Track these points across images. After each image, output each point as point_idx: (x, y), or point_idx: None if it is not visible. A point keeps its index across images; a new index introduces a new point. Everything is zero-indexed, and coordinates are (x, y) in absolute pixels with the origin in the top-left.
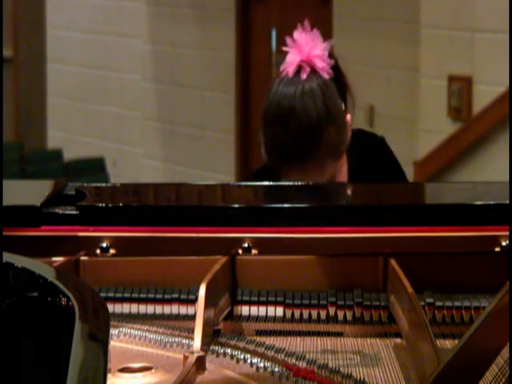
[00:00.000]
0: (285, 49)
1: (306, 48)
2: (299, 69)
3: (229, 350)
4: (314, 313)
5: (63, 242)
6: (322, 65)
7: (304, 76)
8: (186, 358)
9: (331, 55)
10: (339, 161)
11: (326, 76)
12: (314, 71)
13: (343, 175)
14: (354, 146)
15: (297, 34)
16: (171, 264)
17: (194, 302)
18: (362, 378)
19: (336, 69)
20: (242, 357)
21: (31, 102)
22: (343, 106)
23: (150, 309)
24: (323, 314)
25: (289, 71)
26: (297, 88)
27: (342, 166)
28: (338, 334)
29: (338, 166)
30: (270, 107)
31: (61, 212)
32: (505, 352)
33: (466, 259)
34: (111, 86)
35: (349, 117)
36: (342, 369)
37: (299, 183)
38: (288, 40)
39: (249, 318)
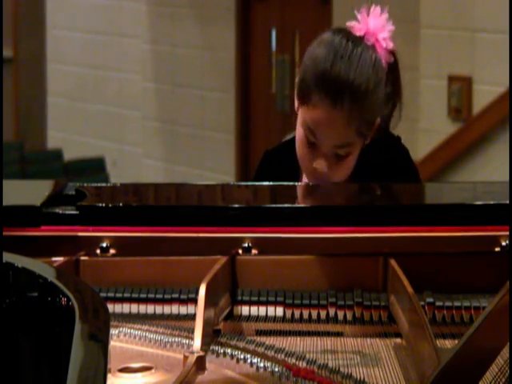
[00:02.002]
0: (357, 13)
1: (377, 24)
2: (364, 36)
3: (229, 350)
4: (314, 313)
5: (63, 242)
6: (385, 51)
7: (368, 43)
8: (186, 357)
9: (394, 54)
10: (357, 140)
11: (383, 62)
12: (375, 48)
13: (346, 171)
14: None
15: (373, 10)
16: (171, 264)
17: (194, 301)
18: (361, 378)
19: (394, 71)
20: (242, 357)
21: (31, 102)
22: (388, 108)
23: (150, 309)
24: (323, 314)
25: (355, 29)
26: (360, 45)
27: (351, 162)
28: (338, 334)
29: (354, 145)
30: (328, 38)
31: (61, 212)
32: (505, 352)
33: (466, 259)
34: (111, 86)
35: (378, 120)
36: (342, 369)
37: (299, 183)
38: (364, 9)
39: (249, 317)
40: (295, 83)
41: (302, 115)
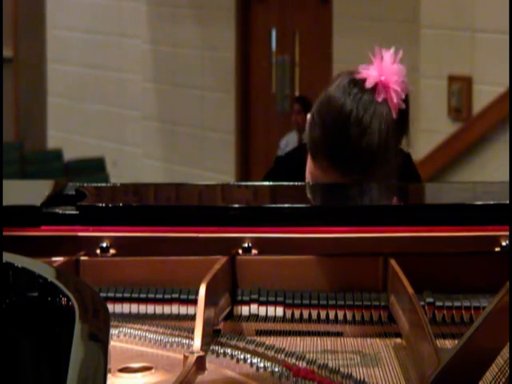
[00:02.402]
0: (373, 60)
1: (390, 75)
2: (375, 87)
3: (229, 350)
4: (314, 313)
5: (63, 242)
6: (396, 102)
7: (379, 98)
8: (186, 357)
9: (407, 100)
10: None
11: (394, 114)
12: (387, 100)
13: None
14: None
15: (387, 59)
16: (171, 264)
17: (194, 302)
18: (361, 378)
19: (404, 116)
20: (242, 357)
21: (31, 102)
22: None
23: (150, 309)
24: (323, 314)
25: (367, 81)
26: (371, 103)
27: None
28: (338, 334)
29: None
30: (337, 98)
31: (61, 212)
32: (505, 352)
33: (466, 259)
34: (111, 86)
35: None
36: (342, 369)
37: (299, 183)
38: (377, 51)
39: (249, 317)
40: (306, 124)
41: (310, 165)
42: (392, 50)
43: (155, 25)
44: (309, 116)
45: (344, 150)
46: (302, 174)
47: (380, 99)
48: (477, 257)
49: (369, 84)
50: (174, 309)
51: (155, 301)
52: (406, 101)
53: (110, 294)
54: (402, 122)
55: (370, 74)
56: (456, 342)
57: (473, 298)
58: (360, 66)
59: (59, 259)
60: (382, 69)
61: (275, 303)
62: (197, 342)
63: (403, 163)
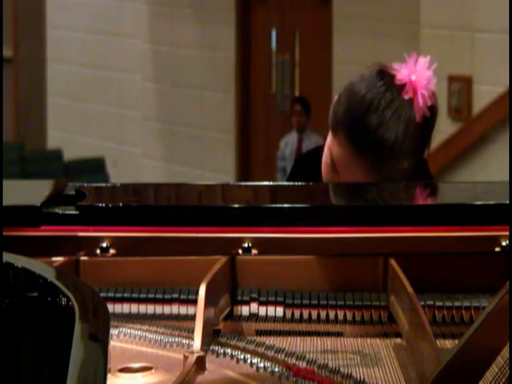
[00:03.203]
0: (406, 60)
1: (418, 80)
2: (403, 85)
3: (229, 350)
4: (314, 313)
5: (63, 242)
6: (422, 106)
7: (405, 96)
8: (186, 357)
9: (433, 109)
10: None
11: (418, 118)
12: (412, 102)
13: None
14: None
15: (421, 63)
16: (171, 264)
17: (194, 302)
18: (361, 378)
19: (429, 124)
20: (241, 357)
21: (31, 102)
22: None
23: (150, 309)
24: (323, 314)
25: (396, 78)
26: (396, 100)
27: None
28: (338, 334)
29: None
30: (365, 86)
31: (61, 212)
32: (505, 352)
33: (466, 259)
34: (111, 86)
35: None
36: (342, 369)
37: (299, 183)
38: (413, 54)
39: (249, 317)
40: (330, 107)
41: (330, 140)
42: (428, 58)
43: (155, 25)
44: (336, 96)
45: (362, 131)
46: (321, 172)
47: (406, 97)
48: (477, 257)
49: (398, 80)
50: (174, 309)
51: (155, 301)
52: (432, 112)
53: (110, 294)
54: (424, 130)
55: (402, 71)
56: (456, 341)
57: (473, 298)
58: (393, 64)
59: (59, 259)
60: (415, 70)
61: (275, 303)
62: (197, 342)
63: (420, 168)
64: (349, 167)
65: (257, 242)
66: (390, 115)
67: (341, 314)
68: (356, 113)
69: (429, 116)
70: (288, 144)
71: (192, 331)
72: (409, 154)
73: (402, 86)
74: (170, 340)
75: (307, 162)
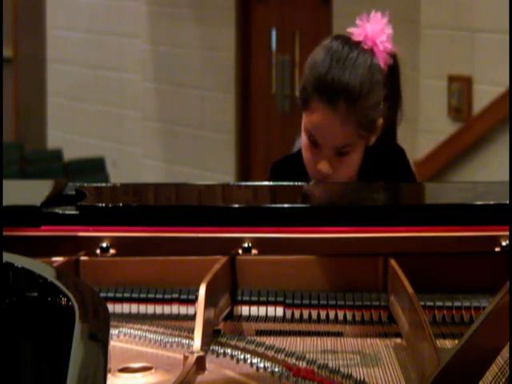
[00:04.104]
0: (358, 19)
1: (376, 28)
2: (363, 40)
3: (229, 350)
4: (314, 313)
5: (63, 242)
6: (383, 54)
7: (366, 46)
8: (186, 358)
9: (395, 57)
10: (358, 141)
11: (382, 64)
12: (373, 52)
13: (351, 167)
14: (374, 151)
15: (373, 16)
16: (171, 264)
17: (194, 302)
18: (361, 378)
19: (394, 74)
20: (242, 357)
21: (31, 102)
22: (388, 110)
23: (150, 309)
24: (323, 314)
25: (354, 34)
26: (356, 50)
27: (355, 159)
28: (338, 334)
29: (355, 144)
30: (326, 46)
31: (61, 212)
32: (505, 352)
33: (466, 259)
34: (111, 86)
35: (380, 121)
36: (342, 369)
37: (299, 183)
38: (364, 15)
39: (249, 317)
40: (298, 91)
41: (304, 121)
42: (378, 13)
43: (155, 25)
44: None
45: (329, 85)
46: (299, 177)
47: (366, 47)
48: (477, 257)
49: (356, 37)
50: (174, 309)
51: (155, 301)
52: (395, 60)
53: (110, 294)
54: (391, 78)
55: (357, 31)
56: (456, 342)
57: (473, 298)
58: (348, 29)
59: (59, 259)
60: (368, 25)
61: (275, 303)
62: (197, 342)
63: (397, 158)
64: (325, 128)
65: (257, 242)
66: (351, 64)
67: (341, 314)
68: (320, 73)
69: (392, 63)
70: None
71: (192, 331)
72: (377, 97)
73: (360, 42)
74: (170, 340)
75: (283, 169)
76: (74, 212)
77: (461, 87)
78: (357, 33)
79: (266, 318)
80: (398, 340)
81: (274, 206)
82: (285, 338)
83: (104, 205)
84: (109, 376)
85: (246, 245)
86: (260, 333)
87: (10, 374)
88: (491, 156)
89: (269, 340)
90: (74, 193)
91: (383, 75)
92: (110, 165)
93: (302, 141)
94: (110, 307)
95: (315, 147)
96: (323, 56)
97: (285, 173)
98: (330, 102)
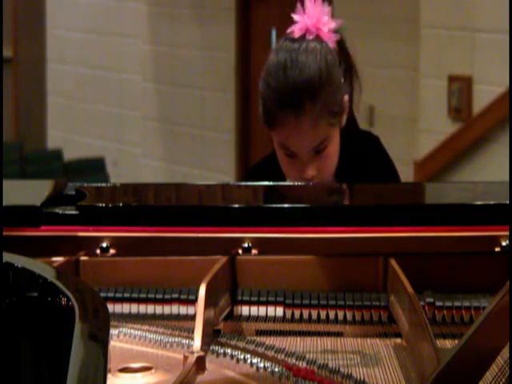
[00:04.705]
0: (294, 15)
1: (314, 15)
2: (305, 33)
3: (229, 350)
4: (314, 313)
5: (63, 242)
6: (329, 34)
7: (310, 37)
8: (185, 357)
9: (339, 33)
10: (332, 130)
11: (331, 44)
12: (319, 38)
13: (332, 158)
14: (349, 143)
15: (307, 2)
16: (171, 264)
17: (194, 302)
18: (361, 378)
19: (342, 47)
20: (242, 357)
21: (31, 102)
22: (348, 85)
23: (150, 309)
24: (323, 314)
25: (295, 32)
26: (301, 44)
27: (333, 149)
28: (338, 334)
29: (331, 135)
30: (272, 59)
31: (61, 212)
32: (505, 352)
33: (466, 259)
34: (111, 86)
35: (346, 97)
36: (342, 369)
37: (299, 183)
38: (298, 5)
39: (249, 317)
40: (259, 114)
41: (275, 139)
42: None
43: (155, 25)
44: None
45: (287, 91)
46: (276, 180)
47: (311, 37)
48: (477, 257)
49: (297, 32)
50: (174, 309)
51: (155, 301)
52: (340, 36)
53: (110, 294)
54: (342, 51)
55: (296, 25)
56: (456, 342)
57: (473, 298)
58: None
59: (59, 259)
60: (305, 14)
61: (275, 303)
62: (197, 342)
63: (370, 145)
64: (299, 135)
65: (257, 242)
66: (302, 60)
67: (341, 314)
68: (275, 86)
69: (339, 38)
70: None
71: (192, 331)
72: (338, 78)
73: (303, 35)
74: (170, 340)
75: (261, 172)
76: (73, 212)
77: (461, 87)
78: (297, 29)
79: (266, 318)
80: (398, 340)
81: (273, 205)
82: (285, 337)
83: (104, 205)
84: (109, 376)
85: (245, 245)
86: (260, 333)
87: (10, 373)
88: (491, 156)
89: (269, 340)
90: (74, 193)
91: (335, 53)
92: (110, 165)
93: (279, 156)
94: (110, 307)
95: (294, 158)
96: (273, 69)
97: (262, 176)
98: (295, 108)
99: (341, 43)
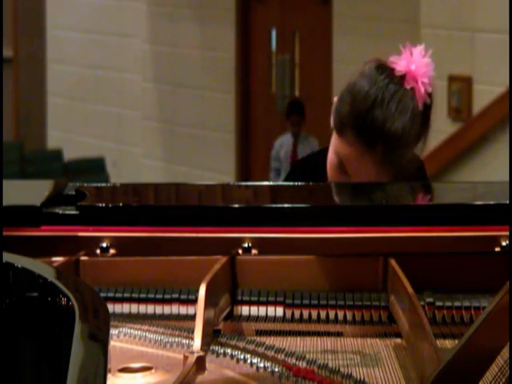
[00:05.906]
0: (401, 50)
1: (417, 68)
2: (403, 76)
3: (229, 350)
4: (314, 313)
5: (63, 242)
6: (423, 95)
7: (407, 86)
8: (186, 358)
9: (430, 95)
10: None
11: (420, 106)
12: (413, 89)
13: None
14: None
15: (417, 52)
16: (171, 264)
17: (194, 302)
18: (361, 378)
19: (427, 109)
20: (242, 357)
21: (31, 102)
22: (423, 144)
23: (150, 309)
24: (323, 314)
25: (396, 69)
26: (396, 89)
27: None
28: (338, 334)
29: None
30: (361, 85)
31: (61, 212)
32: (505, 352)
33: (466, 259)
34: (111, 86)
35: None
36: (342, 369)
37: (299, 183)
38: (407, 46)
39: (249, 317)
40: (332, 109)
41: (336, 143)
42: (422, 46)
43: (155, 25)
44: (335, 98)
45: (370, 126)
46: (317, 179)
47: (408, 87)
48: (477, 257)
49: (398, 72)
50: (174, 309)
51: (155, 301)
52: (430, 98)
53: (110, 294)
54: (425, 115)
55: (400, 63)
56: (456, 342)
57: (473, 298)
58: (390, 57)
59: (59, 259)
60: (412, 60)
61: (275, 303)
62: (197, 342)
63: (418, 168)
64: (359, 164)
65: (257, 242)
66: (395, 107)
67: (341, 314)
68: (362, 109)
69: (428, 102)
70: (282, 145)
71: (192, 331)
72: (414, 141)
73: (402, 77)
74: (170, 340)
75: (304, 169)
76: (73, 212)
77: (461, 87)
78: (400, 66)
79: (266, 318)
80: (398, 340)
81: (274, 205)
82: (285, 338)
83: (104, 205)
84: (109, 376)
85: (246, 245)
86: (260, 333)
87: (10, 373)
88: (491, 156)
89: (269, 340)
90: (74, 193)
91: (420, 116)
92: (110, 165)
93: (330, 158)
94: (110, 307)
95: (344, 173)
96: (366, 88)
97: (307, 170)
98: (369, 143)
99: (428, 108)
